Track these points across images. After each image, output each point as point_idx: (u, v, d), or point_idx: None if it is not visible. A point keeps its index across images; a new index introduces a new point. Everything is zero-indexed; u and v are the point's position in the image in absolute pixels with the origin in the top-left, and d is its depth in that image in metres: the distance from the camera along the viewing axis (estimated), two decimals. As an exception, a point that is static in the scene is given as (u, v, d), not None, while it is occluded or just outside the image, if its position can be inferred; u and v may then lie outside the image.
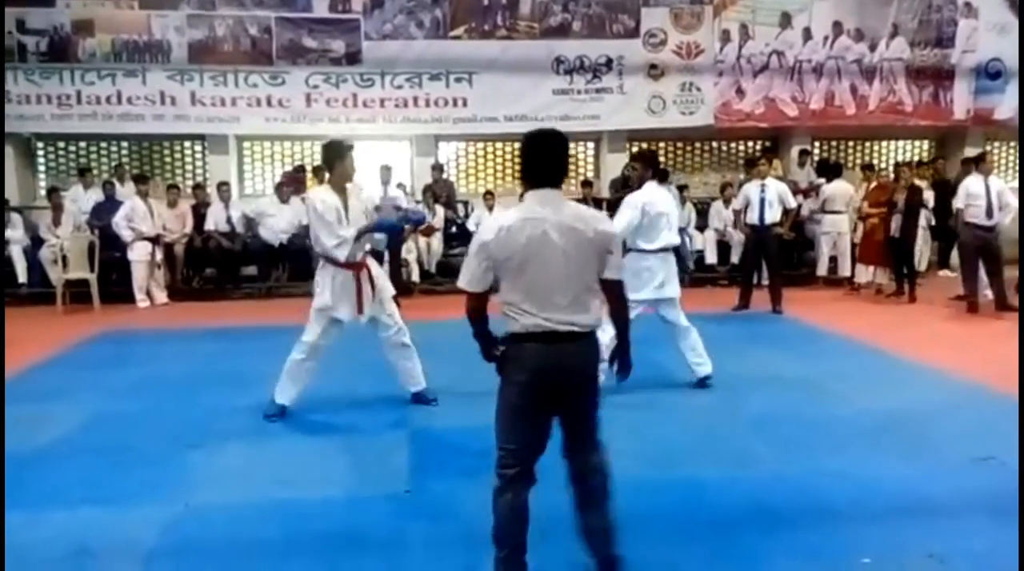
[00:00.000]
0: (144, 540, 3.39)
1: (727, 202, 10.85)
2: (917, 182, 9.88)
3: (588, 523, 2.94)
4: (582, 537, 2.96)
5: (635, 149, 12.72)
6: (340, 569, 3.15)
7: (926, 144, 13.58)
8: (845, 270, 10.54)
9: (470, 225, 10.96)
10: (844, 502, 3.57)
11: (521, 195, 2.89)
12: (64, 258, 9.30)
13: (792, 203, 8.97)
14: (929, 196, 10.43)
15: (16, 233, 9.94)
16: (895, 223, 9.33)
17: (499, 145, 12.59)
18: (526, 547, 2.89)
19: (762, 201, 8.75)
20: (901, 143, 13.48)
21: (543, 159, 2.81)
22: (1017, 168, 12.85)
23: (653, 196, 5.57)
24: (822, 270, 10.69)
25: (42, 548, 3.33)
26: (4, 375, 4.83)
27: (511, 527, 2.87)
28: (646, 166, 5.76)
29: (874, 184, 10.23)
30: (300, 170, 11.62)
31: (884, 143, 13.41)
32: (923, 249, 10.78)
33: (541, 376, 2.78)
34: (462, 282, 2.85)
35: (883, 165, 12.46)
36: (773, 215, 8.73)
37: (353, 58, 11.28)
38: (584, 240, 2.74)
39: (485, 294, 2.82)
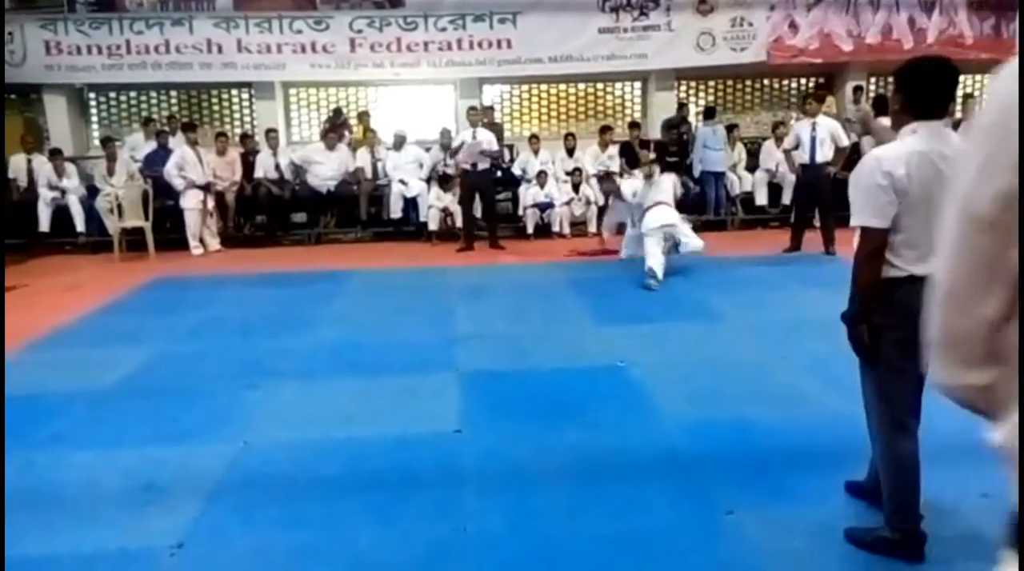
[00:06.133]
0: (208, 476, 3.52)
1: (779, 141, 10.58)
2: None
3: None
4: None
5: (684, 88, 12.49)
6: (394, 505, 3.24)
7: (987, 79, 13.03)
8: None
9: (515, 169, 10.90)
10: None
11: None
12: (119, 207, 9.50)
13: (844, 141, 8.71)
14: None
15: (72, 183, 10.15)
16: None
17: (544, 87, 12.42)
18: None
19: (813, 139, 8.53)
20: (961, 78, 12.91)
21: (940, 86, 2.69)
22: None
23: None
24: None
25: (114, 483, 3.48)
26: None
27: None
28: None
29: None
30: (338, 113, 11.63)
31: (944, 78, 12.90)
32: None
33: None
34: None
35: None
36: (824, 154, 8.51)
37: (396, 1, 11.16)
38: None
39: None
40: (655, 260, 7.11)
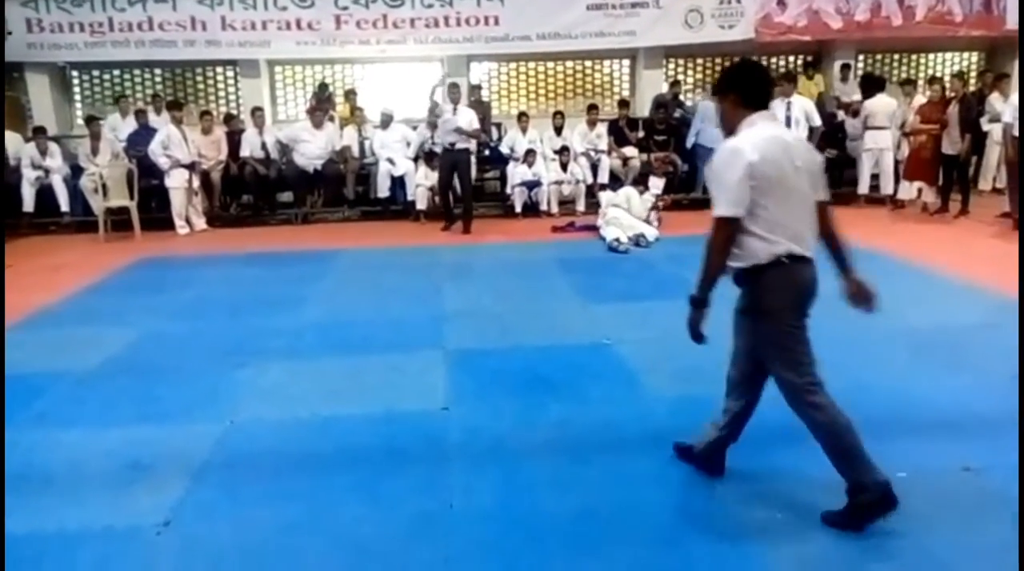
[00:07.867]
0: (194, 454, 3.52)
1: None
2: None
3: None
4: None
5: (672, 66, 12.44)
6: (381, 481, 3.25)
7: (975, 56, 13.05)
8: (887, 188, 10.16)
9: (503, 148, 10.85)
10: (882, 417, 3.56)
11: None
12: (104, 186, 9.42)
13: (817, 121, 8.76)
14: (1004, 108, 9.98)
15: (55, 162, 10.03)
16: (947, 139, 9.11)
17: (532, 65, 12.36)
18: None
19: (787, 119, 8.55)
20: (949, 55, 12.97)
21: (765, 82, 2.95)
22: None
23: None
24: (863, 188, 10.30)
25: (99, 462, 3.49)
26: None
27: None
28: None
29: (923, 99, 9.88)
30: (323, 88, 11.52)
31: (931, 56, 12.92)
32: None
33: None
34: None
35: (926, 77, 12.02)
36: (799, 133, 8.52)
37: (382, -24, 11.06)
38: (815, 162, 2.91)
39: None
40: (611, 236, 8.13)
